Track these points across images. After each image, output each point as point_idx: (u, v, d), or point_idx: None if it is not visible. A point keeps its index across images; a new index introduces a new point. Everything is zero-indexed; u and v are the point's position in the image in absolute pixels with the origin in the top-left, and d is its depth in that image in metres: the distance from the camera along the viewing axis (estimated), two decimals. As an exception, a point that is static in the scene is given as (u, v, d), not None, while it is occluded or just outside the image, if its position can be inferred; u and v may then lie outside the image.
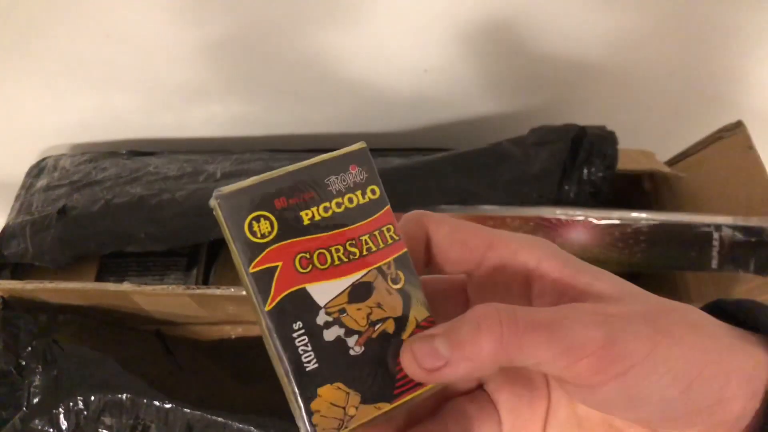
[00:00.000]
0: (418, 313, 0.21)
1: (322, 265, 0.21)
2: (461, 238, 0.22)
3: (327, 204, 0.21)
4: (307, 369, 0.20)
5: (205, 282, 0.57)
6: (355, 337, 0.21)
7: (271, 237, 0.20)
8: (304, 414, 0.20)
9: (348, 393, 0.20)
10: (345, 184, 0.21)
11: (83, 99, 0.62)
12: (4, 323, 0.51)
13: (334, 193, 0.21)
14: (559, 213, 0.48)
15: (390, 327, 0.21)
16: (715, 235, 0.47)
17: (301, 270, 0.20)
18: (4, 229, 0.56)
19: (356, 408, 0.21)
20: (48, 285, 0.49)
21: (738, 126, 0.54)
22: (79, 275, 0.55)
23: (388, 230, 0.22)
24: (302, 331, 0.20)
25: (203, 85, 0.61)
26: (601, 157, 0.49)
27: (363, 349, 0.21)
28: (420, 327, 0.21)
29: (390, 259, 0.21)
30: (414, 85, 0.62)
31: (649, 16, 0.55)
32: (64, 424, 0.48)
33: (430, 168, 0.51)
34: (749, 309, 0.21)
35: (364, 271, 0.21)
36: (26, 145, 0.69)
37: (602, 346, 0.18)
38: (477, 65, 0.60)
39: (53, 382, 0.49)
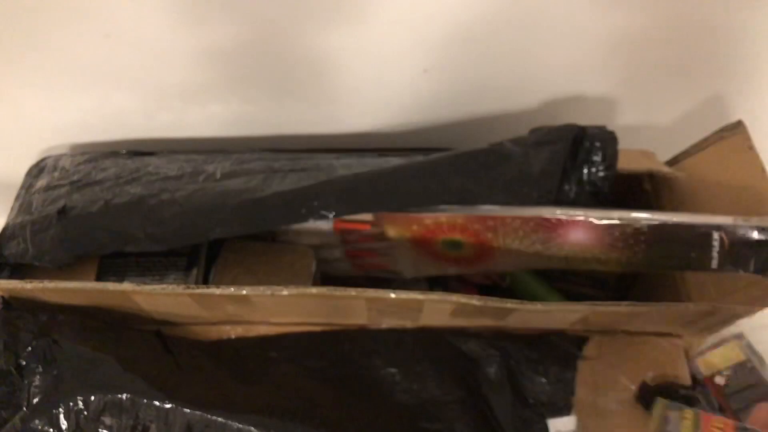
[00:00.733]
0: None
1: None
2: None
3: None
4: None
5: (205, 282, 0.57)
6: None
7: None
8: None
9: None
10: None
11: (83, 99, 0.62)
12: (4, 323, 0.51)
13: None
14: (559, 213, 0.48)
15: None
16: (715, 235, 0.47)
17: None
18: (4, 229, 0.56)
19: None
20: (48, 285, 0.49)
21: (738, 126, 0.54)
22: (79, 275, 0.55)
23: None
24: None
25: (203, 85, 0.61)
26: (601, 157, 0.49)
27: None
28: None
29: None
30: (414, 84, 0.62)
31: (649, 17, 0.55)
32: (64, 424, 0.49)
33: (430, 168, 0.51)
34: None
35: None
36: (26, 145, 0.69)
37: None
38: (477, 65, 0.60)
39: (53, 382, 0.49)
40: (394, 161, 0.54)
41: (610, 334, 0.58)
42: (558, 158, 0.49)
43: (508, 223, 0.50)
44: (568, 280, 0.66)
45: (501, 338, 0.57)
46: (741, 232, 0.46)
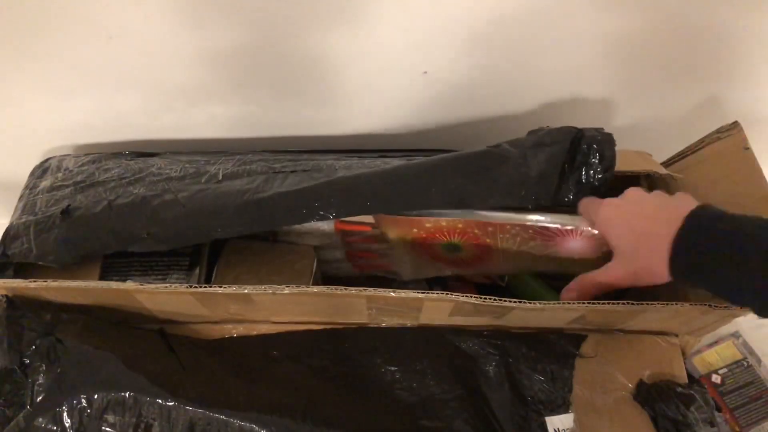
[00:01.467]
0: None
1: None
2: None
3: None
4: None
5: (207, 282, 0.58)
6: None
7: None
8: None
9: None
10: None
11: (87, 100, 0.62)
12: (9, 322, 0.51)
13: None
14: (559, 221, 0.49)
15: None
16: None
17: None
18: (8, 229, 0.56)
19: None
20: (52, 284, 0.49)
21: (734, 127, 0.55)
22: (82, 275, 0.55)
23: None
24: None
25: (206, 87, 0.61)
26: (599, 159, 0.49)
27: None
28: None
29: None
30: (414, 86, 0.62)
31: (645, 20, 0.55)
32: (67, 422, 0.49)
33: (430, 169, 0.51)
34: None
35: None
36: (30, 146, 0.69)
37: None
38: (476, 67, 0.60)
39: (57, 380, 0.49)
40: (394, 162, 0.54)
41: (608, 333, 0.58)
42: (556, 160, 0.49)
43: (508, 229, 0.50)
44: (566, 279, 0.66)
45: (500, 337, 0.58)
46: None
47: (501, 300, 0.48)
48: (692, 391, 0.55)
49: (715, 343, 0.66)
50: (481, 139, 0.59)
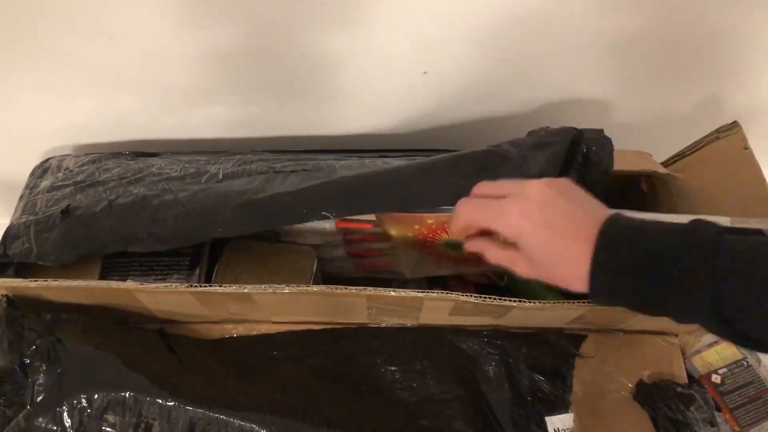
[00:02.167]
0: None
1: None
2: None
3: None
4: None
5: (208, 282, 0.58)
6: None
7: None
8: None
9: None
10: None
11: (87, 100, 0.62)
12: (9, 322, 0.51)
13: None
14: None
15: None
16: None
17: None
18: (9, 229, 0.56)
19: None
20: (52, 283, 0.49)
21: (734, 126, 0.55)
22: (82, 275, 0.55)
23: None
24: None
25: (206, 87, 0.61)
26: (596, 163, 0.49)
27: None
28: None
29: None
30: (414, 86, 0.62)
31: (646, 20, 0.55)
32: (67, 422, 0.49)
33: (430, 169, 0.51)
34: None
35: None
36: (30, 146, 0.69)
37: None
38: (476, 67, 0.60)
39: (57, 380, 0.49)
40: (394, 162, 0.54)
41: (608, 333, 0.58)
42: (556, 160, 0.49)
43: None
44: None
45: (500, 337, 0.58)
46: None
47: (501, 299, 0.48)
48: (692, 391, 0.55)
49: (715, 342, 0.66)
50: (481, 139, 0.59)
